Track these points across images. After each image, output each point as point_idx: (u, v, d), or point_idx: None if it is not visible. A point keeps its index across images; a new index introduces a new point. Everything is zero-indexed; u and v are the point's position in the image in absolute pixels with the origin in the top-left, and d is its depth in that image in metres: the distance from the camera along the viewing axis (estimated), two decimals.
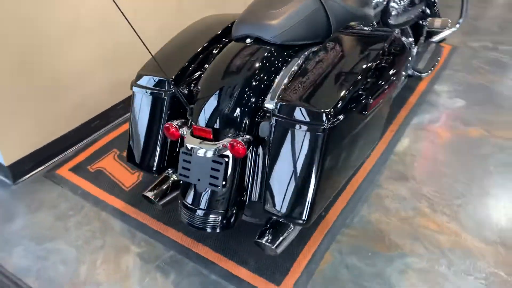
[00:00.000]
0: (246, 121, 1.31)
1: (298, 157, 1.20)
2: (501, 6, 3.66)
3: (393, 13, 1.96)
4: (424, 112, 2.37)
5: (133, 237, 1.67)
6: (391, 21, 1.97)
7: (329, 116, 1.15)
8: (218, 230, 1.40)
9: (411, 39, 2.19)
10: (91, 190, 1.85)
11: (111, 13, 1.96)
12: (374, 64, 1.32)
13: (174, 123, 1.36)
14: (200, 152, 1.26)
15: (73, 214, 1.76)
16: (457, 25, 2.27)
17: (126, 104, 2.25)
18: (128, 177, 1.90)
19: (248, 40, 1.41)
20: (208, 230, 1.40)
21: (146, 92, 1.48)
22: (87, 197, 1.82)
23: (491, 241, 1.67)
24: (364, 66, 1.30)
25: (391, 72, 1.37)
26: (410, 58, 2.15)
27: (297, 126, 1.18)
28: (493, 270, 1.57)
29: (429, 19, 2.22)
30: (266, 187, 1.26)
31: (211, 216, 1.38)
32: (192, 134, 1.33)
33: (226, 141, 1.27)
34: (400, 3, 1.97)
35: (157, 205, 1.52)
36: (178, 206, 1.44)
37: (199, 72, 1.50)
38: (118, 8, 1.21)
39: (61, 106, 1.94)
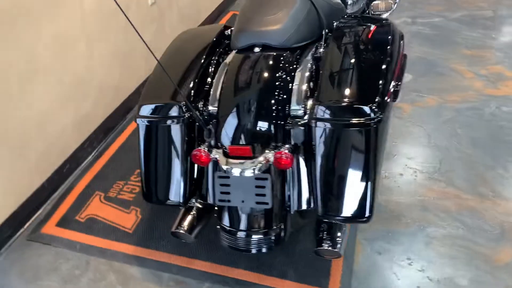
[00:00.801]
0: (278, 130, 1.27)
1: (351, 156, 1.19)
2: None
3: (349, 2, 2.04)
4: None
5: (160, 280, 1.54)
6: (348, 10, 2.04)
7: (375, 109, 1.16)
8: (264, 250, 1.35)
9: None
10: (90, 241, 1.67)
11: (68, 44, 1.79)
12: (385, 51, 1.35)
13: (202, 148, 1.27)
14: (247, 173, 1.20)
15: (81, 273, 1.57)
16: (395, 5, 2.42)
17: (92, 140, 2.06)
18: (125, 218, 1.75)
19: (256, 49, 1.37)
20: (253, 251, 1.35)
21: (153, 122, 1.36)
22: (89, 250, 1.64)
23: (487, 196, 1.83)
24: (379, 55, 1.33)
25: (399, 55, 1.41)
26: None
27: (345, 125, 1.18)
28: (502, 219, 1.72)
29: (373, 3, 2.34)
30: (319, 193, 1.23)
31: (256, 236, 1.32)
32: (227, 155, 1.26)
33: (269, 155, 1.22)
34: None
35: (190, 239, 1.41)
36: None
37: (204, 90, 1.41)
38: (123, 12, 1.09)
39: (28, 159, 1.71)
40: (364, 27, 1.50)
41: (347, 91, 1.23)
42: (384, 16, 2.48)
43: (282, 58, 1.35)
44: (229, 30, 1.61)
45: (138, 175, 1.95)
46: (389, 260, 1.59)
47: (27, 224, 1.73)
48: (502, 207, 1.78)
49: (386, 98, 1.22)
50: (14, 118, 1.62)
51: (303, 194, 1.31)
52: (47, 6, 1.67)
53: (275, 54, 1.35)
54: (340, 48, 1.38)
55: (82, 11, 1.86)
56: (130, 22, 1.10)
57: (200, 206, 1.44)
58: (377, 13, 2.38)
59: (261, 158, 1.22)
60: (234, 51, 1.44)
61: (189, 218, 1.42)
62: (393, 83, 1.28)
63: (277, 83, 1.30)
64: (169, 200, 1.39)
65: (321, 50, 1.45)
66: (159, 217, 1.74)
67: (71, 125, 1.91)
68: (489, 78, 2.59)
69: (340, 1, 1.75)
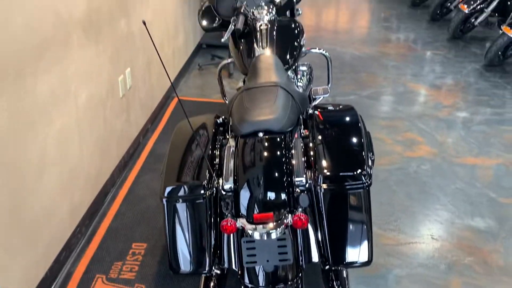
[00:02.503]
0: (289, 197, 1.57)
1: (352, 212, 1.52)
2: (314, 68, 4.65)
3: (300, 90, 2.48)
4: None
5: None
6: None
7: (366, 176, 1.53)
8: None
9: None
10: None
11: (67, 138, 1.93)
12: (359, 129, 1.75)
13: (229, 219, 1.51)
14: (273, 235, 1.46)
15: None
16: (329, 90, 2.93)
17: (81, 225, 2.14)
18: None
19: (260, 134, 1.68)
20: None
21: (179, 202, 1.57)
22: None
23: (429, 237, 2.27)
24: (355, 132, 1.72)
25: (366, 132, 1.82)
26: None
27: (345, 190, 1.52)
28: (445, 255, 2.14)
29: (313, 88, 2.82)
30: (329, 244, 1.53)
31: None
32: (252, 222, 1.51)
33: (288, 219, 1.50)
34: (303, 81, 2.52)
35: None
36: None
37: (215, 170, 1.67)
38: (150, 37, 1.34)
39: (36, 248, 1.77)
40: (334, 111, 1.90)
41: (341, 162, 1.58)
42: (319, 100, 2.98)
43: (281, 140, 1.68)
44: (220, 118, 1.91)
45: (133, 255, 2.07)
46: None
47: None
48: (445, 246, 2.22)
49: (371, 166, 1.60)
50: (27, 208, 1.70)
51: (312, 248, 1.60)
52: (52, 104, 1.84)
53: (276, 137, 1.68)
54: (322, 129, 1.75)
55: (76, 107, 2.04)
56: (158, 55, 1.35)
57: (219, 272, 1.65)
58: (317, 96, 2.86)
59: (282, 222, 1.49)
60: (235, 136, 1.73)
61: (211, 285, 1.61)
62: (370, 154, 1.67)
63: (281, 160, 1.62)
64: (196, 270, 1.57)
65: (303, 131, 1.81)
66: None
67: (66, 213, 2.00)
68: (405, 143, 3.18)
69: (303, 92, 2.17)
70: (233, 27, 2.22)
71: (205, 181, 1.57)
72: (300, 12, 2.95)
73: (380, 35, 5.72)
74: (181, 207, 1.58)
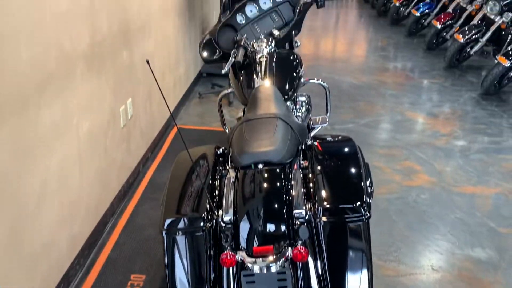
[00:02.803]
0: (289, 230, 1.57)
1: (352, 243, 1.52)
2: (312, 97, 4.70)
3: (299, 121, 2.51)
4: None
5: None
6: None
7: (365, 208, 1.54)
8: None
9: None
10: None
11: (68, 169, 1.95)
12: (357, 160, 1.77)
13: (229, 252, 1.51)
14: (272, 269, 1.46)
15: None
16: (327, 119, 2.97)
17: (80, 257, 2.13)
18: None
19: (260, 166, 1.70)
20: None
21: (179, 234, 1.58)
22: None
23: (430, 268, 2.25)
24: (353, 163, 1.74)
25: (365, 163, 1.84)
26: None
27: (345, 222, 1.52)
28: (446, 286, 2.14)
29: (311, 118, 2.86)
30: (328, 278, 1.53)
31: None
32: (251, 255, 1.51)
33: (288, 252, 1.50)
34: (302, 112, 2.55)
35: None
36: None
37: (215, 202, 1.68)
38: (152, 73, 1.36)
39: (34, 280, 1.76)
40: (333, 142, 1.93)
41: (340, 194, 1.59)
42: (317, 129, 3.01)
43: (281, 171, 1.69)
44: (220, 149, 1.93)
45: (131, 287, 2.06)
46: None
47: None
48: (446, 277, 2.21)
49: (370, 198, 1.61)
50: (26, 240, 1.70)
51: (312, 281, 1.59)
52: (54, 136, 1.86)
53: (275, 168, 1.70)
54: (321, 160, 1.77)
55: (78, 138, 2.06)
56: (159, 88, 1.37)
57: None
58: (316, 126, 2.90)
59: (282, 255, 1.49)
60: (235, 167, 1.75)
61: None
62: (369, 185, 1.69)
63: (281, 191, 1.63)
64: None
65: (302, 162, 1.83)
66: None
67: (65, 244, 2.00)
68: (404, 172, 3.20)
69: (302, 123, 2.20)
70: (233, 59, 2.27)
71: (205, 213, 1.58)
72: (299, 44, 3.01)
73: (377, 64, 5.82)
74: (181, 239, 1.58)
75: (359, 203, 1.55)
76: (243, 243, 1.55)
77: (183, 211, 1.60)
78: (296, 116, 2.50)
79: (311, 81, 2.76)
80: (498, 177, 3.14)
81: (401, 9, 7.89)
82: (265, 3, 2.63)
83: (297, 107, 2.56)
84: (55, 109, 1.86)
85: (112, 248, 2.30)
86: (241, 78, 2.39)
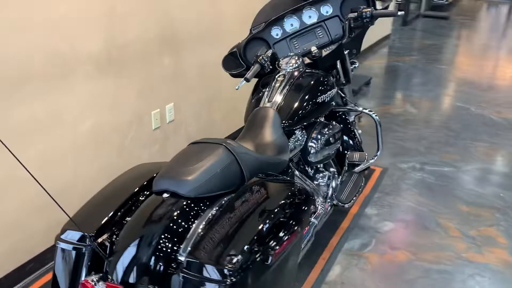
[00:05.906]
0: (160, 273, 1.38)
1: None
2: (427, 127, 4.02)
3: (312, 151, 2.17)
4: (355, 237, 2.49)
5: None
6: (311, 159, 2.17)
7: (231, 272, 1.24)
8: None
9: (333, 170, 2.38)
10: None
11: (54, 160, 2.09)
12: (276, 214, 1.45)
13: (90, 278, 1.41)
14: None
15: None
16: (375, 158, 2.50)
17: None
18: None
19: (165, 195, 1.53)
20: None
21: (69, 247, 1.54)
22: None
23: None
24: (266, 217, 1.42)
25: (293, 222, 1.49)
26: (334, 187, 2.33)
27: (203, 284, 1.26)
28: None
29: (348, 152, 2.45)
30: None
31: None
32: None
33: None
34: (317, 142, 2.19)
35: None
36: None
37: (120, 225, 1.58)
38: (22, 165, 1.32)
39: None
40: (271, 186, 1.62)
41: (215, 249, 1.30)
42: (363, 166, 2.55)
43: (183, 205, 1.49)
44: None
45: None
46: None
47: None
48: None
49: (250, 260, 1.29)
50: None
51: None
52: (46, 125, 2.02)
53: (178, 201, 1.50)
54: (235, 203, 1.49)
55: (74, 133, 2.20)
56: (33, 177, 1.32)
57: None
58: (355, 162, 2.48)
59: None
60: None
61: None
62: (265, 247, 1.36)
63: (171, 227, 1.43)
64: None
65: (229, 200, 1.57)
66: None
67: (44, 229, 2.17)
68: (476, 241, 2.48)
69: (283, 156, 1.89)
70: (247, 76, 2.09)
71: (95, 232, 1.50)
72: (357, 65, 2.61)
73: None
74: (68, 254, 1.54)
75: (226, 265, 1.26)
76: (112, 275, 1.42)
77: (85, 225, 1.56)
78: (309, 146, 2.17)
79: (363, 110, 2.41)
80: None
81: None
82: (310, 17, 2.35)
83: (313, 135, 2.21)
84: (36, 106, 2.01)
85: None
86: (253, 95, 2.21)
